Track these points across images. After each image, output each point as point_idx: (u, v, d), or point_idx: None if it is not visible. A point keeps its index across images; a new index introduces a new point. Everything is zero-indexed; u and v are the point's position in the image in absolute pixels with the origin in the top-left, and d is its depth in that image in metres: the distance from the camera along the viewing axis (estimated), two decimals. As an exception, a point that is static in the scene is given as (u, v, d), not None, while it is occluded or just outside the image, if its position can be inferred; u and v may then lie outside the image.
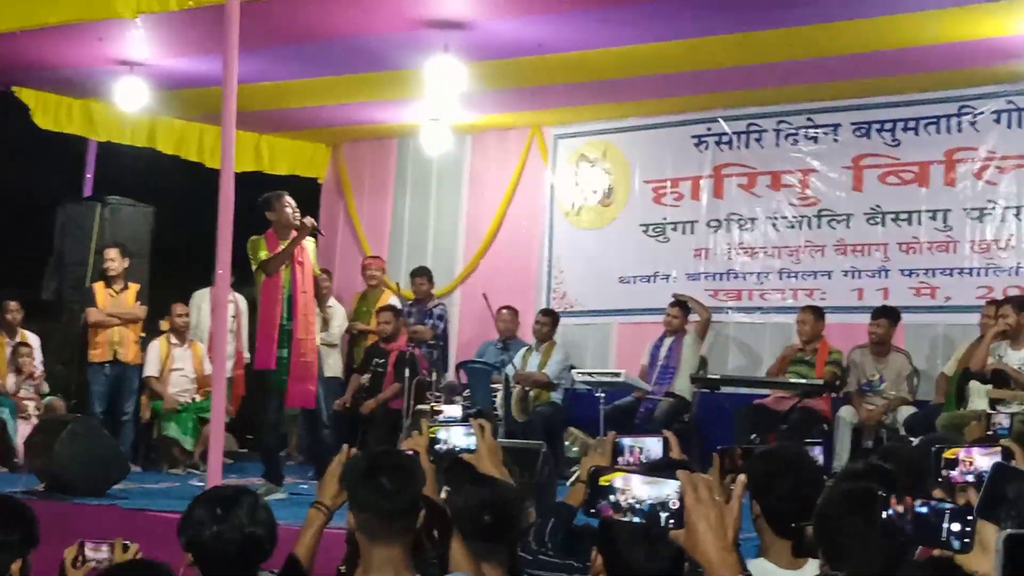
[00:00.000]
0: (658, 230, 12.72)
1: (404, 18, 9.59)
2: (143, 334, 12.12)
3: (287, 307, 9.08)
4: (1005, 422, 8.50)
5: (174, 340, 12.32)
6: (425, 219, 14.16)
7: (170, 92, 11.81)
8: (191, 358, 12.37)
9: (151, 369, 12.14)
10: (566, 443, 10.99)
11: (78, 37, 10.16)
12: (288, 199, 9.36)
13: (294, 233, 9.12)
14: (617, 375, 11.36)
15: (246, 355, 13.13)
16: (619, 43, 10.13)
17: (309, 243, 9.38)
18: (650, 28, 9.75)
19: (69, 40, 10.31)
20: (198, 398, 12.19)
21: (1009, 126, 11.05)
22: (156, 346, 12.24)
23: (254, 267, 9.10)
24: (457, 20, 9.55)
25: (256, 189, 13.66)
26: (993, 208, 11.05)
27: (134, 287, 11.93)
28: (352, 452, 4.21)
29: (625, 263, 12.79)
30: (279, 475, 9.43)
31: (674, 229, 12.64)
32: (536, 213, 13.41)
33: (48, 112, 12.35)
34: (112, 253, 11.86)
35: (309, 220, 9.21)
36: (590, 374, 11.51)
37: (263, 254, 9.04)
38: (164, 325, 12.42)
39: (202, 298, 12.80)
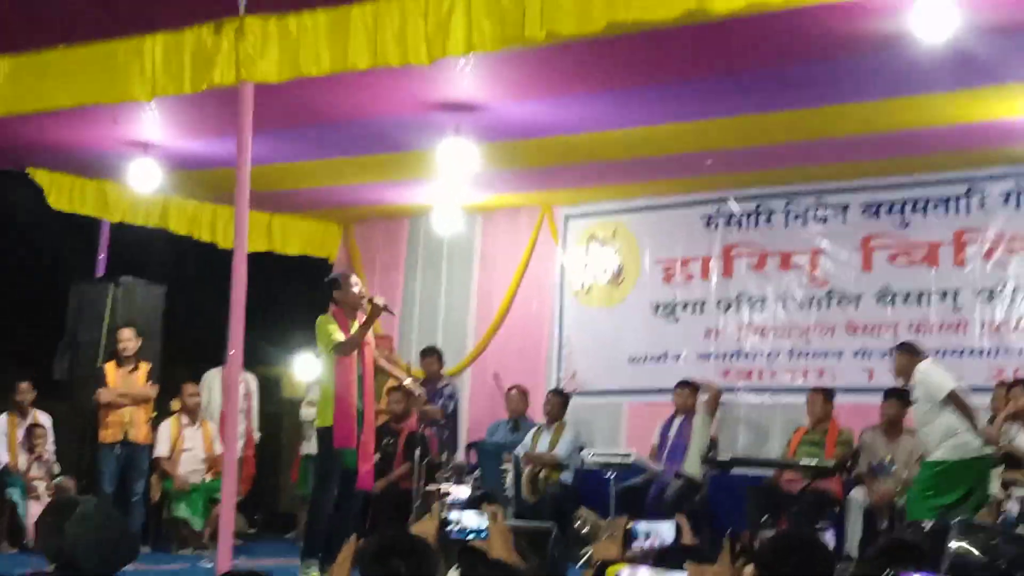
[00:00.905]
0: (668, 310, 12.75)
1: (416, 101, 9.67)
2: (154, 414, 12.12)
3: (359, 388, 9.07)
4: (1015, 509, 8.49)
5: (185, 420, 12.33)
6: (436, 298, 14.19)
7: (183, 173, 11.90)
8: (202, 438, 12.37)
9: (162, 449, 12.14)
10: (576, 524, 10.93)
11: (93, 119, 10.24)
12: (355, 278, 9.36)
13: (361, 315, 9.10)
14: (628, 455, 11.33)
15: (256, 435, 13.18)
16: (628, 125, 10.20)
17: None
18: (658, 110, 9.83)
19: (84, 122, 10.40)
20: (208, 478, 12.17)
21: (1018, 207, 11.09)
22: (167, 426, 12.24)
23: (324, 347, 8.97)
24: (468, 103, 9.62)
25: (267, 269, 13.76)
26: (1003, 289, 11.07)
27: (145, 367, 11.94)
28: (359, 541, 4.19)
29: (635, 343, 12.80)
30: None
31: (684, 309, 12.67)
32: (546, 292, 13.45)
33: (62, 193, 12.43)
34: (126, 333, 11.89)
35: (380, 299, 9.20)
36: (601, 454, 11.48)
37: (338, 335, 8.94)
38: (175, 405, 12.43)
39: (213, 378, 12.81)
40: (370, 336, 9.12)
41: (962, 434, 9.23)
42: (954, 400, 9.33)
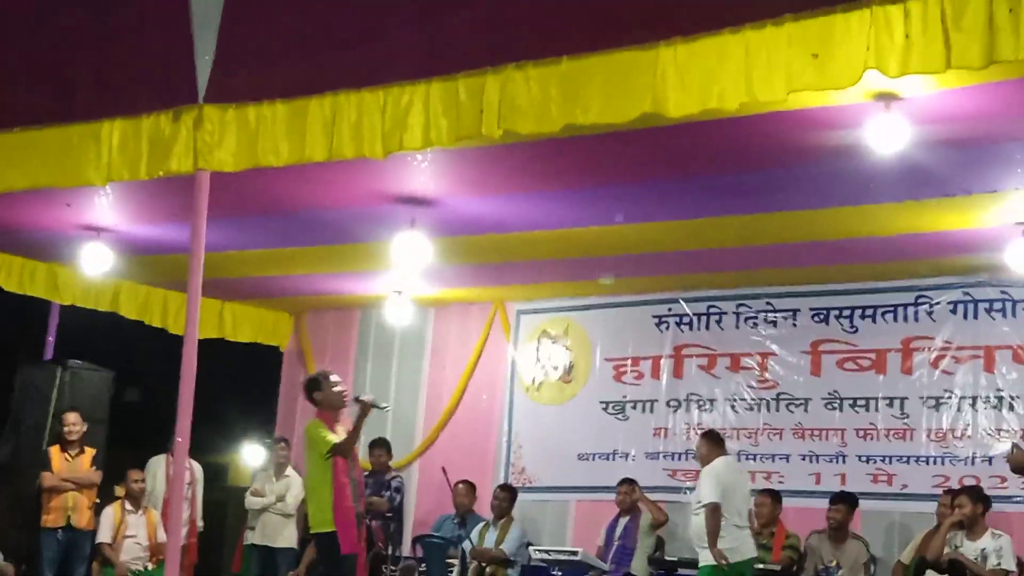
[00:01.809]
0: (618, 408, 12.76)
1: (372, 194, 9.70)
2: (97, 500, 11.99)
3: (354, 490, 9.03)
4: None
5: (128, 506, 12.20)
6: (386, 390, 14.14)
7: (136, 258, 11.86)
8: (145, 525, 12.23)
9: (104, 535, 11.99)
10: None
11: (46, 202, 10.20)
12: (334, 377, 9.35)
13: (343, 414, 9.07)
14: (575, 553, 11.27)
15: (200, 523, 13.04)
16: (582, 223, 10.27)
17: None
18: (613, 210, 9.89)
19: (37, 205, 10.35)
20: (150, 566, 12.03)
21: (965, 317, 11.19)
22: (110, 512, 12.10)
23: (318, 452, 8.94)
24: (424, 197, 9.67)
25: (218, 356, 13.69)
26: (949, 398, 11.14)
27: (90, 451, 11.83)
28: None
29: (584, 440, 12.78)
30: None
31: (634, 407, 12.68)
32: (496, 387, 13.44)
33: (12, 274, 12.36)
34: (72, 417, 11.80)
35: (368, 396, 9.21)
36: (547, 551, 11.41)
37: (332, 437, 8.93)
38: (120, 491, 12.30)
39: (157, 464, 12.70)
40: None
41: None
42: (706, 512, 9.72)
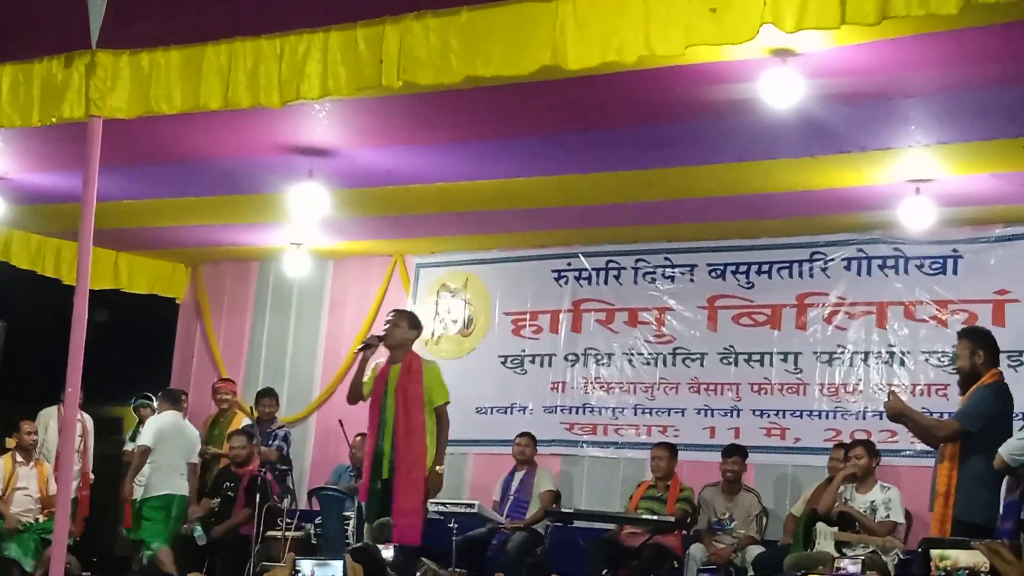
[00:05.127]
0: (516, 362, 12.79)
1: (270, 143, 9.60)
2: (-17, 451, 11.85)
3: (380, 431, 9.13)
4: (852, 568, 8.66)
5: (19, 458, 12.05)
6: (284, 343, 14.09)
7: (28, 207, 11.66)
8: (36, 477, 12.09)
9: (-7, 488, 11.85)
10: (418, 574, 10.87)
11: (-67, 148, 10.01)
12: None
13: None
14: (471, 506, 11.29)
15: (91, 475, 12.90)
16: (482, 177, 10.25)
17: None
18: (513, 163, 9.89)
19: (-76, 151, 10.16)
20: (42, 518, 11.90)
21: (859, 273, 11.35)
22: (0, 464, 11.94)
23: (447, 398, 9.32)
24: (322, 147, 9.59)
25: (113, 307, 13.53)
26: (842, 353, 11.30)
27: (-23, 401, 11.67)
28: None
29: (483, 394, 12.79)
30: None
31: (532, 362, 12.72)
32: (395, 341, 13.38)
33: (-100, 222, 12.11)
34: (-41, 367, 11.62)
35: (371, 336, 9.44)
36: (443, 504, 11.41)
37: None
38: (11, 443, 12.13)
39: (49, 416, 12.56)
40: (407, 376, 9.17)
41: None
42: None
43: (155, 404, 12.77)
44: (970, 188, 9.82)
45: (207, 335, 14.49)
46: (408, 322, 9.40)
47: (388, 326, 9.34)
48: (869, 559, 9.21)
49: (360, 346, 9.43)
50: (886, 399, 8.84)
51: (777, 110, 7.76)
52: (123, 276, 14.02)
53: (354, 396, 9.37)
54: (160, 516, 11.67)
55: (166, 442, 11.75)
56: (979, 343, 8.44)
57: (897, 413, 8.61)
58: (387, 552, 8.19)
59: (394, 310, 9.83)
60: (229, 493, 11.90)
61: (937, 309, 10.95)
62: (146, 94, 7.52)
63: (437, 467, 9.12)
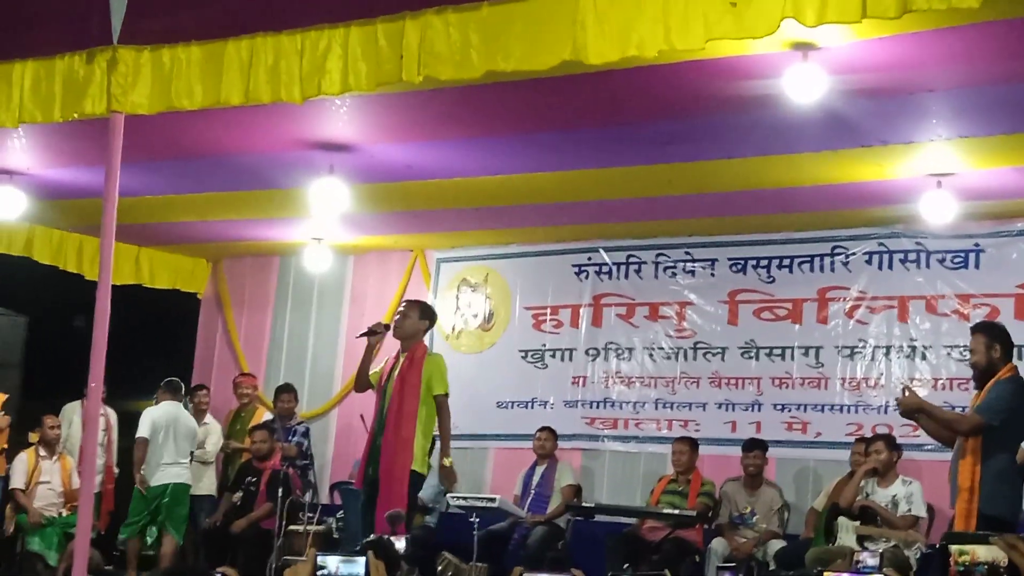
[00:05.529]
0: (537, 356, 12.80)
1: (290, 139, 9.62)
2: (5, 446, 11.87)
3: (379, 422, 9.18)
4: (871, 561, 8.64)
5: (43, 452, 12.10)
6: (304, 338, 14.11)
7: (50, 202, 11.70)
8: (60, 471, 12.14)
9: (17, 481, 11.89)
10: (439, 568, 10.89)
11: (-43, 145, 10.05)
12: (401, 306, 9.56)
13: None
14: (492, 500, 11.30)
15: (115, 469, 12.95)
16: (502, 172, 10.25)
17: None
18: (534, 158, 9.89)
19: (-52, 147, 10.19)
20: (65, 512, 11.95)
21: (880, 268, 11.32)
22: (23, 458, 12.00)
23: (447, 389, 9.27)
24: (343, 143, 9.60)
25: (134, 302, 13.56)
26: (864, 347, 11.27)
27: (0, 397, 11.70)
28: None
29: (503, 388, 12.81)
30: None
31: (553, 356, 12.72)
32: (416, 335, 13.39)
33: (-78, 218, 12.15)
34: (-19, 362, 11.67)
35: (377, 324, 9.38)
36: (465, 498, 11.43)
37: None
38: (34, 437, 12.18)
39: (73, 411, 12.60)
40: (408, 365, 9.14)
41: None
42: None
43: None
44: (992, 182, 9.79)
45: (228, 330, 14.52)
46: (419, 312, 9.37)
47: (399, 317, 9.33)
48: (889, 552, 9.19)
49: (362, 332, 9.40)
50: (899, 395, 8.75)
51: (798, 104, 7.75)
52: (144, 271, 14.04)
53: (360, 383, 9.38)
54: (140, 507, 11.66)
55: (161, 432, 11.74)
56: (995, 337, 8.40)
57: (914, 409, 8.55)
58: (399, 543, 8.21)
59: (406, 300, 9.84)
60: (251, 487, 11.94)
61: (959, 303, 10.92)
62: (167, 90, 7.53)
63: (445, 460, 9.12)
